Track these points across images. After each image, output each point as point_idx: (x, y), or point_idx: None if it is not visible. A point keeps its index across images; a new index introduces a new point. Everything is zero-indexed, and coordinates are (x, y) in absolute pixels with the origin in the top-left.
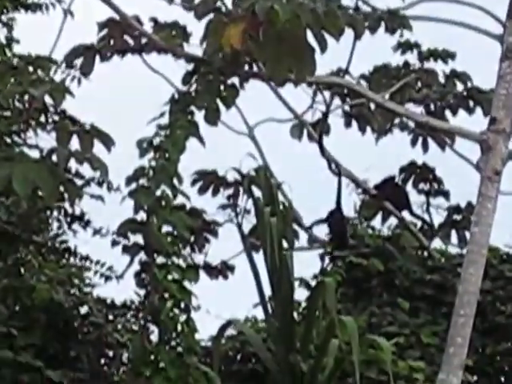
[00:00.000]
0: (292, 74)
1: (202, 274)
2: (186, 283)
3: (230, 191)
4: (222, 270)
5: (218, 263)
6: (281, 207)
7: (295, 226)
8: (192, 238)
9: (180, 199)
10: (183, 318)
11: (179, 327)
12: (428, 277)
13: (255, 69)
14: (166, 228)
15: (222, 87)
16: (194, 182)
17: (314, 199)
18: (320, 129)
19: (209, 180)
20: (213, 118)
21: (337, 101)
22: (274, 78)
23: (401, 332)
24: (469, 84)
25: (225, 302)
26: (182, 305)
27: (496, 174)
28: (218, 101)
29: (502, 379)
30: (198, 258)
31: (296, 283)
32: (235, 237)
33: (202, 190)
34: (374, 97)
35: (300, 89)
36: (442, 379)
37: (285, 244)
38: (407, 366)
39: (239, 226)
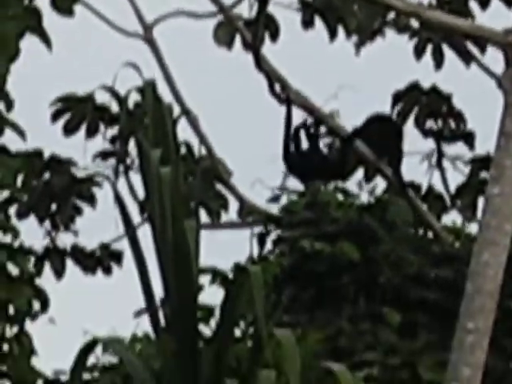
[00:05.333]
0: None
1: (70, 264)
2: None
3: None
4: (103, 258)
5: (95, 248)
6: (184, 150)
7: (220, 187)
8: (54, 206)
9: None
10: (13, 331)
11: (5, 347)
12: (433, 272)
13: None
14: None
15: None
16: (55, 117)
17: (248, 143)
18: (255, 28)
19: (79, 112)
20: (66, 2)
21: None
22: None
23: (386, 362)
24: None
25: (104, 308)
26: (12, 309)
27: None
28: None
29: None
30: (62, 239)
31: (206, 278)
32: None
33: (68, 130)
34: None
35: None
36: None
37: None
38: None
39: (114, 184)
